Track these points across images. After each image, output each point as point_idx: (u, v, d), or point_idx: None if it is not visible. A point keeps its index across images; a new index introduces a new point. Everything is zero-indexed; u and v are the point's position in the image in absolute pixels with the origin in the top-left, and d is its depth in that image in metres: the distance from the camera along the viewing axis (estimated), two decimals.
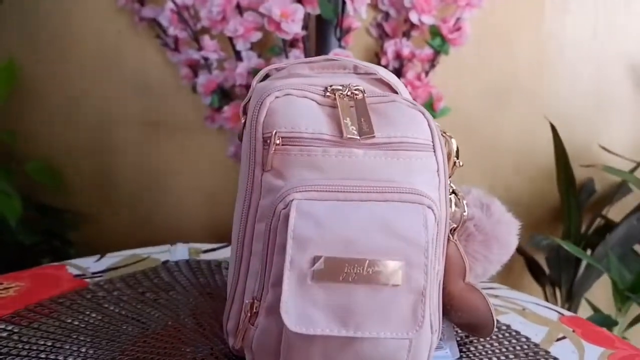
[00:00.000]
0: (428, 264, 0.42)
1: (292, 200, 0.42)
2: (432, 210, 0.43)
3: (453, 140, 0.52)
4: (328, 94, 0.46)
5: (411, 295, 0.41)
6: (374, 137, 0.44)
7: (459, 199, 0.52)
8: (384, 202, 0.43)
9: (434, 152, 0.46)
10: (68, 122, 1.18)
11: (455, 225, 0.52)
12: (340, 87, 0.46)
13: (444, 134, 0.51)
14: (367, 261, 0.41)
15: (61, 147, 1.19)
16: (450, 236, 0.51)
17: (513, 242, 0.55)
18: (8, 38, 1.15)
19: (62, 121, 1.18)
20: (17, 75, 1.11)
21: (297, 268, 0.40)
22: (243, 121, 0.50)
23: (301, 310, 0.40)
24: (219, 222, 1.19)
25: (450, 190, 0.51)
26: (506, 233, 0.55)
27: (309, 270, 0.40)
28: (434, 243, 0.44)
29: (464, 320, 0.54)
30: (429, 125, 0.47)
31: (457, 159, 0.52)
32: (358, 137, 0.43)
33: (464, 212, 0.52)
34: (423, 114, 0.47)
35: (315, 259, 0.40)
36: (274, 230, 0.43)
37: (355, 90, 0.47)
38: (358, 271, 0.41)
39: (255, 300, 0.45)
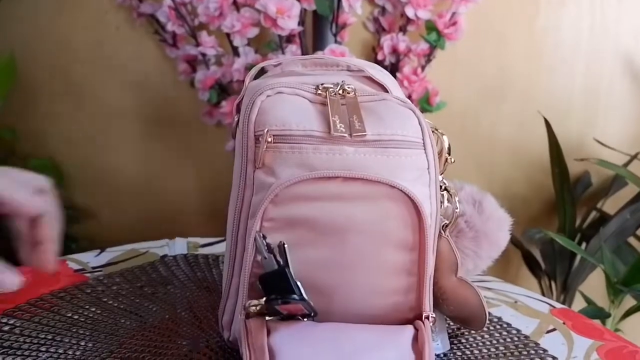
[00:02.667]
0: None
1: None
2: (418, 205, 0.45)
3: (445, 137, 0.52)
4: (319, 92, 0.47)
5: None
6: (365, 134, 0.45)
7: (450, 196, 0.53)
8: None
9: (424, 149, 0.47)
10: (68, 118, 1.20)
11: (447, 222, 0.52)
12: (332, 86, 0.47)
13: (435, 131, 0.52)
14: None
15: (61, 143, 1.20)
16: (442, 232, 0.52)
17: (504, 239, 0.56)
18: (7, 34, 1.16)
19: (62, 117, 1.19)
20: (17, 72, 1.12)
21: None
22: (236, 119, 0.51)
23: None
24: (218, 214, 1.21)
25: (443, 187, 0.52)
26: (497, 230, 0.56)
27: None
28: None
29: (456, 313, 0.55)
30: (420, 123, 0.47)
31: (449, 155, 0.53)
32: (346, 135, 0.44)
33: (456, 208, 0.53)
34: (413, 112, 0.48)
35: None
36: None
37: (347, 88, 0.47)
38: None
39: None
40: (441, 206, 0.51)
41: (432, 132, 0.51)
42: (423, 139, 0.47)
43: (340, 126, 0.44)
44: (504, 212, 0.57)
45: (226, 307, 0.50)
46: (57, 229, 0.48)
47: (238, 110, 0.51)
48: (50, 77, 1.17)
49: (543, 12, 1.14)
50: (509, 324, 0.62)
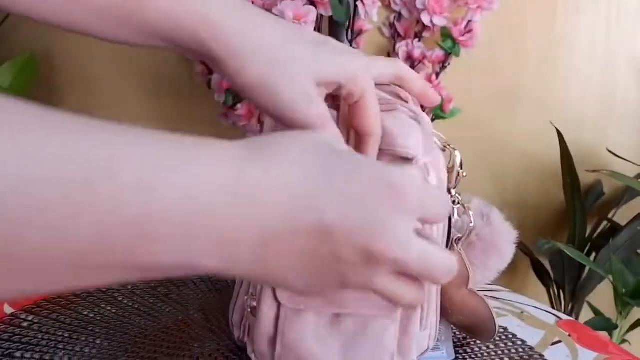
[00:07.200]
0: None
1: None
2: None
3: (457, 153, 0.53)
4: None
5: None
6: None
7: (465, 209, 0.54)
8: None
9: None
10: (87, 116, 1.22)
11: (460, 235, 0.53)
12: None
13: (447, 147, 0.52)
14: None
15: None
16: (455, 246, 0.53)
17: (510, 251, 0.57)
18: (27, 36, 1.18)
19: (81, 115, 1.22)
20: (37, 70, 1.14)
21: None
22: (260, 129, 0.52)
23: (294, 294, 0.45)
24: None
25: (457, 201, 0.53)
26: (505, 242, 0.57)
27: None
28: None
29: (464, 323, 0.56)
30: (423, 138, 0.48)
31: (461, 169, 0.54)
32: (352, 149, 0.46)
33: (470, 222, 0.54)
34: (419, 124, 0.49)
35: None
36: None
37: None
38: None
39: (251, 295, 0.48)
40: (452, 219, 0.52)
41: (444, 148, 0.52)
42: (423, 153, 0.48)
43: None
44: (510, 225, 0.57)
45: (236, 306, 0.52)
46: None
47: (260, 120, 0.53)
48: (69, 77, 1.20)
49: (559, 20, 1.14)
50: (514, 335, 0.63)
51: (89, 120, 0.26)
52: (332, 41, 0.45)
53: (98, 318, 0.60)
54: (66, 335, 0.56)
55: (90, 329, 0.58)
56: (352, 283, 0.32)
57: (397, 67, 0.47)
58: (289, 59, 0.41)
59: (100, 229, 0.24)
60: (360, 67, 0.43)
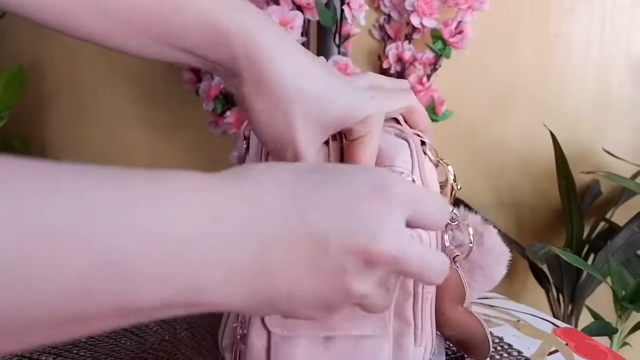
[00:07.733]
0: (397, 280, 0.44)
1: None
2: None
3: (450, 168, 0.52)
4: None
5: None
6: None
7: (463, 227, 0.52)
8: None
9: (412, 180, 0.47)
10: (77, 125, 1.20)
11: (458, 253, 0.52)
12: None
13: (440, 162, 0.51)
14: None
15: (71, 149, 1.21)
16: (452, 263, 0.51)
17: (500, 273, 0.55)
18: (16, 45, 1.17)
19: (71, 124, 1.20)
20: (26, 81, 1.13)
21: None
22: (245, 145, 0.51)
23: (283, 320, 0.43)
24: None
25: (453, 218, 0.51)
26: (494, 264, 0.55)
27: None
28: None
29: (458, 338, 0.54)
30: (411, 155, 0.47)
31: (455, 182, 0.52)
32: None
33: (470, 243, 0.52)
34: (408, 144, 0.47)
35: None
36: None
37: None
38: None
39: (240, 323, 0.46)
40: (447, 237, 0.50)
41: (437, 163, 0.50)
42: (412, 172, 0.47)
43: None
44: (504, 246, 0.56)
45: (225, 331, 0.50)
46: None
47: (245, 137, 0.51)
48: (58, 86, 1.18)
49: (553, 19, 1.13)
50: (510, 345, 0.61)
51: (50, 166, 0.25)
52: (361, 79, 0.45)
53: (83, 340, 0.58)
54: (50, 359, 0.55)
55: (75, 351, 0.56)
56: (354, 289, 0.32)
57: (410, 101, 0.47)
58: (305, 99, 0.40)
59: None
60: (373, 110, 0.43)
